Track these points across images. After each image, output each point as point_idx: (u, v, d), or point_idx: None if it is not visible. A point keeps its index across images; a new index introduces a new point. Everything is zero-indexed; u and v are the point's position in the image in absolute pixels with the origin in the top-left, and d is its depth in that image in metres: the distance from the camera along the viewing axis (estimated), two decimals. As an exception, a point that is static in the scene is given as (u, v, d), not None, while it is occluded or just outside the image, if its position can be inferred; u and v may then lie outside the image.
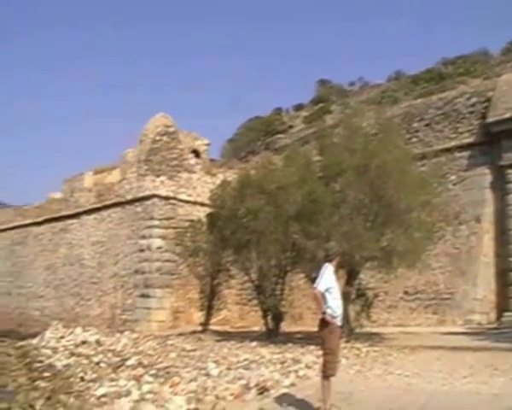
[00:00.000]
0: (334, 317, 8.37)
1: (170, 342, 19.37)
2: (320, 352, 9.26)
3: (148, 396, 10.72)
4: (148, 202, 24.45)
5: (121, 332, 23.01)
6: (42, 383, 16.54)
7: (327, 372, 8.53)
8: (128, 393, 11.46)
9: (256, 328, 22.53)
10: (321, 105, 68.61)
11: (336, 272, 8.65)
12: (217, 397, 10.22)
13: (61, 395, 13.20)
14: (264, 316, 20.16)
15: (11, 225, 36.89)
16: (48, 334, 25.85)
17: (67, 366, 18.27)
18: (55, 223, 31.25)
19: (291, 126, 68.79)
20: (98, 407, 10.74)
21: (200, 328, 22.47)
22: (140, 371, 14.55)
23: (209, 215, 21.52)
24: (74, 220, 29.38)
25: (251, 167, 21.93)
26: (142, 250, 24.18)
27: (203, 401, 9.95)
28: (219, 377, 11.95)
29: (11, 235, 36.78)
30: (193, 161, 25.98)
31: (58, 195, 32.30)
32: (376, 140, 17.93)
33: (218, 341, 19.26)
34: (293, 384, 11.12)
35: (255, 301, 22.00)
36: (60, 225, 30.78)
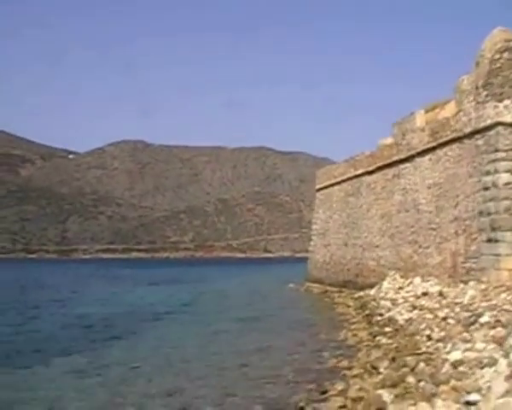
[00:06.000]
0: None
1: (530, 294, 15.95)
2: None
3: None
4: (491, 132, 20.91)
5: (465, 282, 20.45)
6: (383, 340, 14.97)
7: None
8: (492, 361, 8.83)
9: None
10: None
11: None
12: None
13: (407, 357, 11.22)
14: None
15: (344, 177, 36.99)
16: (385, 284, 24.79)
17: (409, 320, 16.48)
18: (388, 169, 29.81)
19: None
20: (457, 379, 8.31)
21: None
22: (499, 331, 11.70)
23: None
24: (407, 164, 27.39)
25: None
26: (486, 188, 20.87)
27: None
28: None
29: (345, 187, 36.96)
30: (543, 75, 21.44)
31: (389, 140, 30.78)
32: None
33: None
34: None
35: None
36: (392, 171, 29.20)
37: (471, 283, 20.11)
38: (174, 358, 14.81)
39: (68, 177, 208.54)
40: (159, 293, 38.30)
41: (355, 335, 16.77)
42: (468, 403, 6.39)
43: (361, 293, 26.39)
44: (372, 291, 24.92)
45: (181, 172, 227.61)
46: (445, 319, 15.14)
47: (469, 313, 14.98)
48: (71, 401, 10.75)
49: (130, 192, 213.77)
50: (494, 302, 15.79)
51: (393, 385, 9.31)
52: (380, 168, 30.76)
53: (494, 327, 12.47)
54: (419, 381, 9.04)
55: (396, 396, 8.38)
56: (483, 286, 19.16)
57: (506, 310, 14.27)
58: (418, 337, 13.62)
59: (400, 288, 23.13)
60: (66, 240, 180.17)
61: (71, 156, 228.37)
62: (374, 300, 22.76)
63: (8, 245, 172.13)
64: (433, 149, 24.95)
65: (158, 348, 16.26)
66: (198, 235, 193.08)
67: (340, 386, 10.30)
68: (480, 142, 21.60)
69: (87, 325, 21.67)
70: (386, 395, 8.32)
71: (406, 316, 17.24)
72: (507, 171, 20.41)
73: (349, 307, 24.69)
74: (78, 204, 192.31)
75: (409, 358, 11.14)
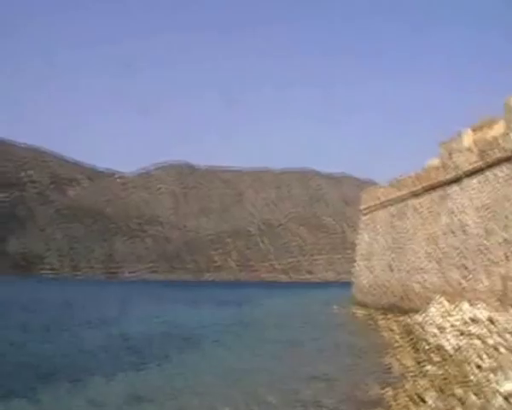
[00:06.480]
0: None
1: None
2: None
3: None
4: (541, 153, 20.29)
5: (516, 309, 19.63)
6: (430, 368, 14.39)
7: None
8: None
9: None
10: None
11: None
12: None
13: (455, 388, 10.76)
14: None
15: (389, 199, 36.33)
16: (431, 309, 24.03)
17: (457, 348, 15.87)
18: (434, 191, 29.12)
19: None
20: (509, 413, 7.87)
21: None
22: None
23: None
24: (454, 185, 26.62)
25: None
26: (537, 210, 20.17)
27: None
28: None
29: (389, 209, 36.24)
30: None
31: (435, 161, 30.10)
32: None
33: None
34: None
35: None
36: (439, 192, 28.46)
37: (524, 309, 19.36)
38: (216, 383, 14.59)
39: (114, 197, 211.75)
40: (203, 314, 38.17)
41: (400, 362, 16.22)
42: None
43: (406, 318, 25.69)
44: (418, 316, 24.21)
45: (225, 194, 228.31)
46: (495, 346, 14.53)
47: (521, 342, 14.38)
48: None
49: (175, 214, 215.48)
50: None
51: (441, 417, 8.91)
52: (426, 190, 30.10)
53: (548, 357, 11.92)
54: (469, 414, 8.64)
55: (444, 430, 7.99)
56: (536, 313, 18.41)
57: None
58: (467, 366, 13.06)
59: (447, 313, 22.38)
60: (112, 260, 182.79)
61: (117, 177, 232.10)
62: (420, 325, 22.11)
63: (55, 264, 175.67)
64: (482, 169, 24.21)
65: (201, 372, 16.12)
66: (241, 256, 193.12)
67: (384, 417, 9.95)
68: (530, 162, 20.98)
69: (131, 346, 21.65)
70: (434, 429, 7.94)
71: (454, 343, 16.61)
72: (559, 193, 19.76)
73: (394, 332, 24.02)
74: (124, 225, 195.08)
75: (457, 388, 10.67)
